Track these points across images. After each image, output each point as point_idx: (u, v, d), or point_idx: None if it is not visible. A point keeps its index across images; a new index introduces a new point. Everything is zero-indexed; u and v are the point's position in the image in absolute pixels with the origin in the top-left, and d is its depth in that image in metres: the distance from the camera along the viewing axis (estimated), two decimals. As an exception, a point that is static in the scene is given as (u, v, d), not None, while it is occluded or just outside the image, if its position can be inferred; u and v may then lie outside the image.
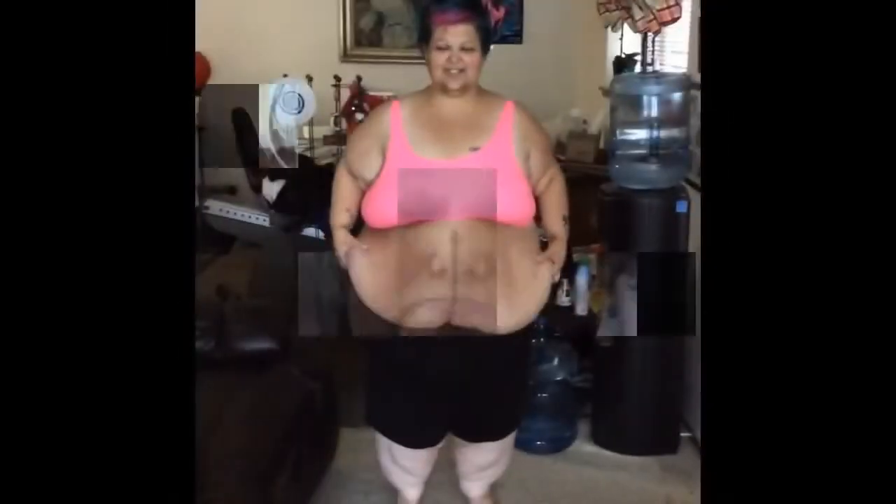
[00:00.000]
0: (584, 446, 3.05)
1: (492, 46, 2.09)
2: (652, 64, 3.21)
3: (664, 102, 2.85)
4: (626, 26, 3.46)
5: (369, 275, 2.09)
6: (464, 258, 1.98)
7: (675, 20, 2.97)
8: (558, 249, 2.18)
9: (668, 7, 2.94)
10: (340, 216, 2.21)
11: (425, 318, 2.03)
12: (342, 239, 2.17)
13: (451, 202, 1.97)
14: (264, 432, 2.26)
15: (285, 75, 4.12)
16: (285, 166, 3.68)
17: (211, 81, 4.95)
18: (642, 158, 2.87)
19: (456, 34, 2.02)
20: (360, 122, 3.78)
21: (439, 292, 2.00)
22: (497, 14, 2.08)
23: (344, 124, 4.61)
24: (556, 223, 2.22)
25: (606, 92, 3.58)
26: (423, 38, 2.08)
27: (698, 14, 2.97)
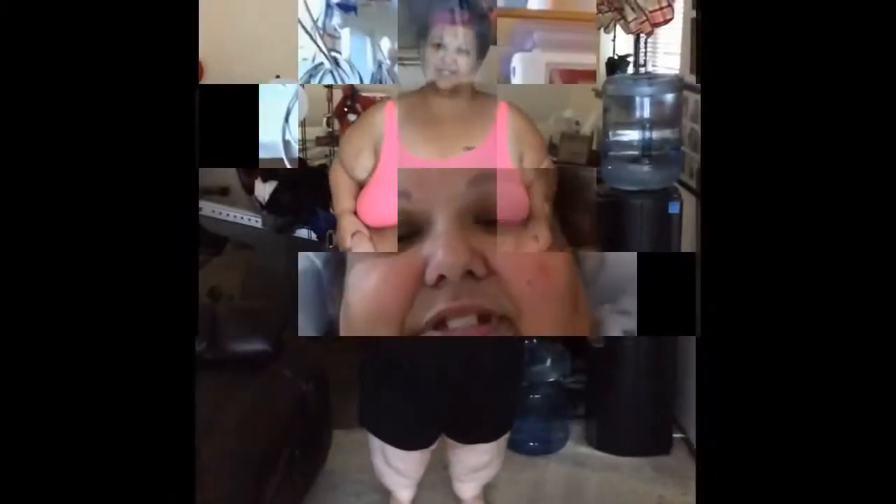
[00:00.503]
0: (576, 447, 3.06)
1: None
2: (644, 65, 3.22)
3: (656, 104, 2.86)
4: (618, 28, 3.46)
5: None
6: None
7: (667, 21, 2.98)
8: (537, 226, 2.02)
9: (661, 8, 2.94)
10: (346, 201, 2.12)
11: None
12: (352, 223, 2.05)
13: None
14: (257, 434, 2.25)
15: (278, 76, 4.10)
16: (288, 166, 3.67)
17: (203, 82, 4.94)
18: (635, 159, 2.87)
19: (453, 34, 2.02)
20: (353, 122, 3.77)
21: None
22: (492, 16, 2.08)
23: (336, 125, 4.60)
24: (537, 204, 2.06)
25: (599, 93, 3.58)
26: (421, 34, 2.08)
27: (690, 15, 2.98)
